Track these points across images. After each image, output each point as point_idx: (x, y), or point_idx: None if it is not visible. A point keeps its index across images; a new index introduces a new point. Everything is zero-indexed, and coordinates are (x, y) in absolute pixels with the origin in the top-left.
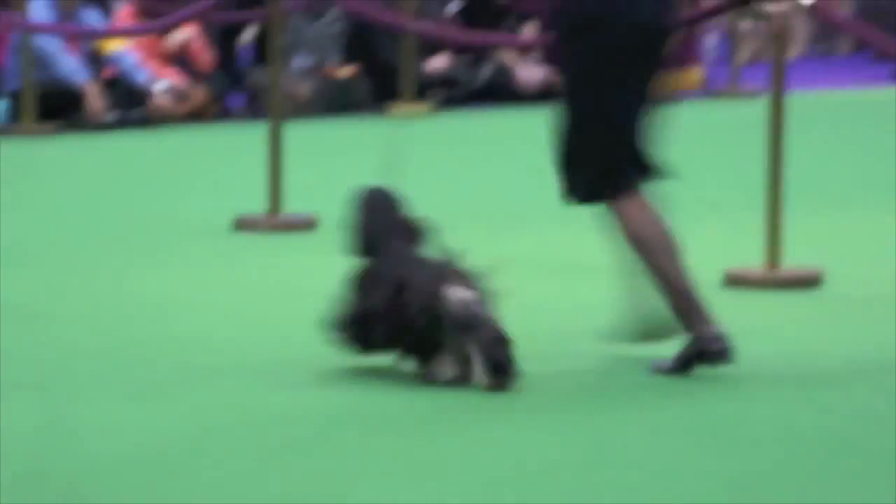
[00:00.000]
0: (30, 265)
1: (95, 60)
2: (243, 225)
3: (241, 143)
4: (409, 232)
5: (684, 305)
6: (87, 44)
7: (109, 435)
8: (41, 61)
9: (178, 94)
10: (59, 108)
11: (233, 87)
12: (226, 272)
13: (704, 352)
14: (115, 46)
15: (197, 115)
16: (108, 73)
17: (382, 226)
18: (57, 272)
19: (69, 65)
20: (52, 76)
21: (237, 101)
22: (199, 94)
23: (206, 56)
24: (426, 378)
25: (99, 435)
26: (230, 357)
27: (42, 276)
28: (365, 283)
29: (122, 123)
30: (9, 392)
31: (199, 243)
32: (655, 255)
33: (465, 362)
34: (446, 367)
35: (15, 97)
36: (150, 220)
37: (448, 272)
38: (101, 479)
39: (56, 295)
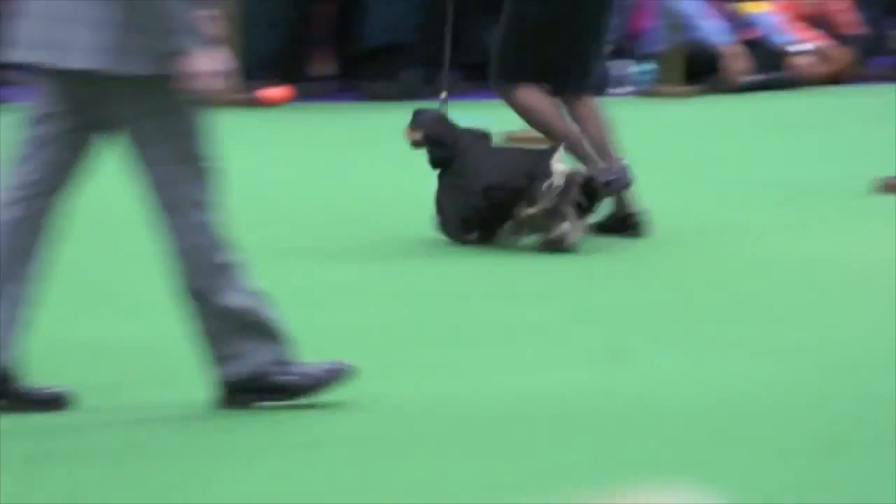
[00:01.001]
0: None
1: (736, 22)
2: (884, 187)
3: (883, 106)
4: (481, 136)
5: (580, 152)
6: (727, 6)
7: None
8: (684, 24)
9: (820, 56)
10: (700, 70)
11: (876, 49)
12: (862, 234)
13: (602, 182)
14: (756, 8)
15: (837, 78)
16: (748, 35)
17: (459, 133)
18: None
19: (710, 27)
20: (693, 39)
21: (881, 63)
22: (842, 57)
23: (848, 18)
24: (552, 245)
25: None
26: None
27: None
28: (471, 178)
29: (761, 85)
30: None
31: (837, 204)
32: (546, 118)
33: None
34: (567, 231)
35: (660, 59)
36: (789, 180)
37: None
38: None
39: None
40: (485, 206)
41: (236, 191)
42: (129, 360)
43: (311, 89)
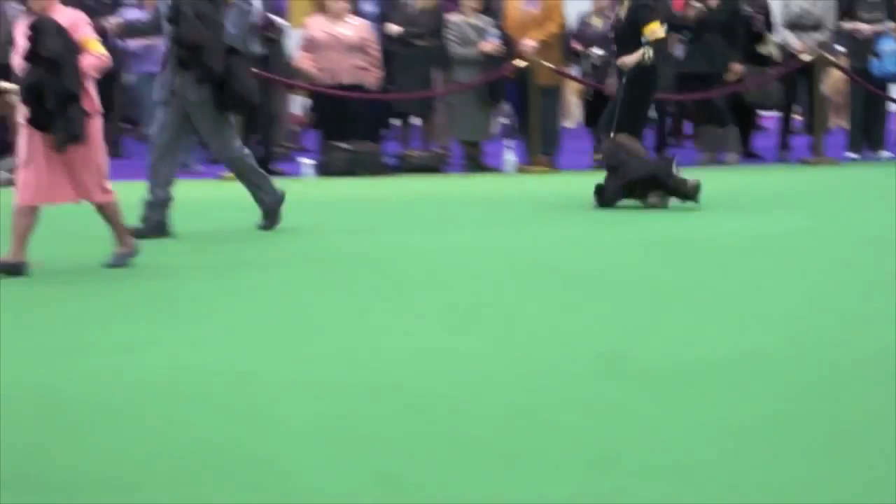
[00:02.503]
0: None
1: None
2: None
3: None
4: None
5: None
6: None
7: None
8: None
9: None
10: None
11: None
12: None
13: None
14: None
15: None
16: None
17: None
18: None
19: None
20: None
21: None
22: None
23: None
24: (652, 203)
25: None
26: None
27: None
28: (622, 169)
29: None
30: None
31: None
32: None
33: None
34: (656, 197)
35: None
36: None
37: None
38: None
39: None
40: (637, 187)
41: None
42: None
43: None
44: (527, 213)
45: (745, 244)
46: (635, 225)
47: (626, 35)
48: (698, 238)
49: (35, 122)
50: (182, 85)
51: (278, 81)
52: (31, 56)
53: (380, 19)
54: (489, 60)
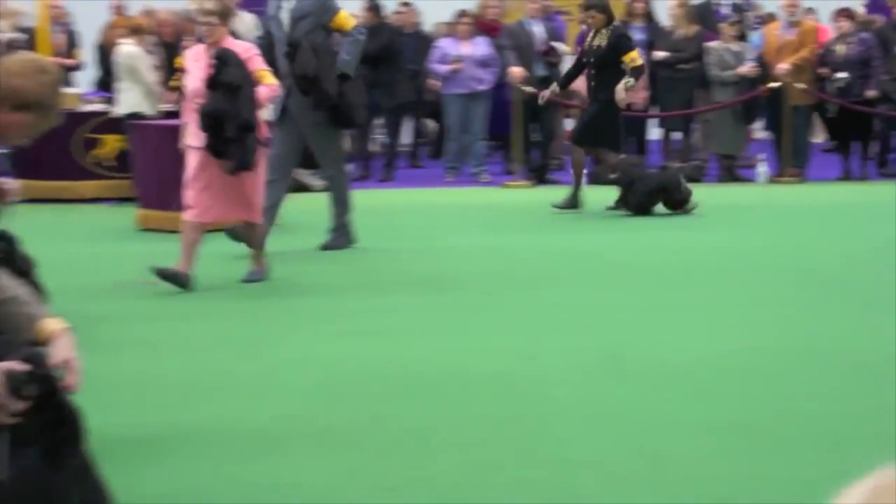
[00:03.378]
0: None
1: None
2: None
3: None
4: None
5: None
6: None
7: None
8: None
9: None
10: None
11: None
12: None
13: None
14: None
15: None
16: None
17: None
18: None
19: None
20: None
21: None
22: None
23: None
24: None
25: None
26: None
27: None
28: (637, 181)
29: None
30: None
31: None
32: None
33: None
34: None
35: None
36: None
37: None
38: None
39: None
40: (652, 197)
41: None
42: None
43: None
44: (778, 217)
45: None
46: (865, 228)
47: (605, 62)
48: None
49: (212, 148)
50: (298, 108)
51: (556, 101)
52: (212, 83)
53: (647, 45)
54: (745, 82)
